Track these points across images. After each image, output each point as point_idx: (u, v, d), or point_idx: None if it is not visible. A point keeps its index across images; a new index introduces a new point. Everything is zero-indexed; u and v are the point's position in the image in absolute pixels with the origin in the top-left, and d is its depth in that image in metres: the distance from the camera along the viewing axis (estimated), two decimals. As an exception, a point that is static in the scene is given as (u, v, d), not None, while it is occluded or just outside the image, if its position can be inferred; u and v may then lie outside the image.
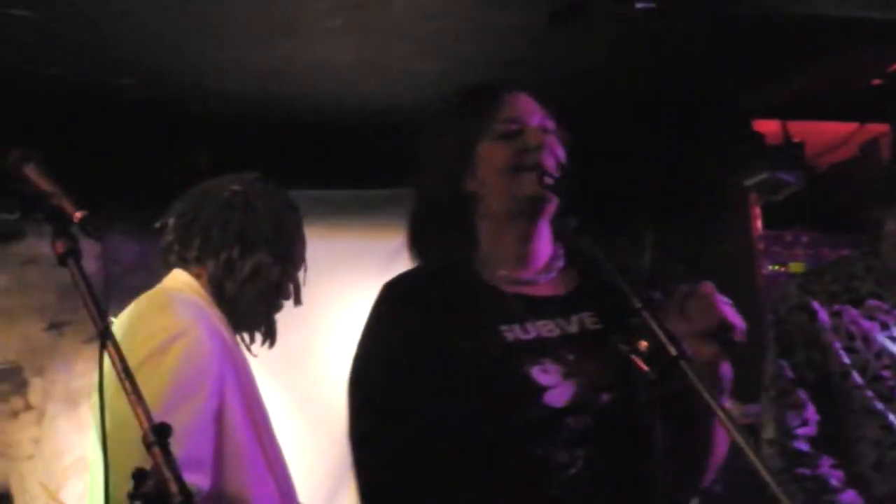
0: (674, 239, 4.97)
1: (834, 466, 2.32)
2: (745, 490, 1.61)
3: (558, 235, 1.83)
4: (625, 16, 3.65)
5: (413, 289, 1.78)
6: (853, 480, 2.31)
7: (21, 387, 4.55)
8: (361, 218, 4.88)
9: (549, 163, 1.74)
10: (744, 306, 1.65)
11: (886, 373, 2.30)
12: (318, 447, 4.47)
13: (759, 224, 4.73)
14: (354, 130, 4.53)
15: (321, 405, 4.60)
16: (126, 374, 1.29)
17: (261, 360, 2.22)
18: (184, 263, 2.15)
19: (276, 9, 3.56)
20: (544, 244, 1.81)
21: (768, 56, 4.17)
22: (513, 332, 1.68)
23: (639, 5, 3.55)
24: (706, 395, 1.43)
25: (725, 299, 1.61)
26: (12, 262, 4.57)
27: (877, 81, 4.42)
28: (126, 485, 1.21)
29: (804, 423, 2.35)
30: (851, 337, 2.33)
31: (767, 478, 1.32)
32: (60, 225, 1.39)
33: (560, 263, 1.81)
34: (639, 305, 1.52)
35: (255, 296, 2.15)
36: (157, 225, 2.21)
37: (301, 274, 2.27)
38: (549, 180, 1.72)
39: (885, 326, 2.34)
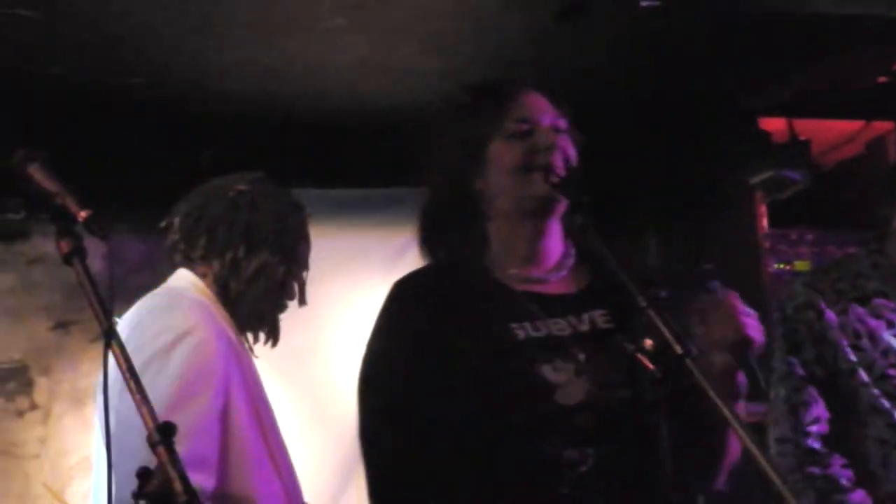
0: (678, 238, 4.97)
1: (845, 466, 2.31)
2: (752, 489, 1.61)
3: (569, 233, 1.83)
4: (629, 15, 3.65)
5: (423, 287, 1.79)
6: (860, 479, 2.31)
7: (27, 386, 4.56)
8: (365, 217, 4.89)
9: (560, 163, 1.74)
10: (749, 305, 1.65)
11: (893, 371, 2.30)
12: (323, 445, 4.47)
13: (764, 222, 4.72)
14: (357, 129, 4.52)
15: (326, 403, 4.60)
16: (131, 373, 1.29)
17: (266, 359, 2.22)
18: (189, 262, 2.15)
19: (277, 9, 3.56)
20: (555, 242, 1.80)
21: (771, 55, 4.16)
22: (524, 331, 1.68)
23: (644, 3, 3.54)
24: (712, 394, 1.43)
25: (750, 312, 1.61)
26: (18, 262, 4.58)
27: (882, 79, 4.41)
28: (130, 484, 1.21)
29: (816, 421, 2.34)
30: (858, 335, 2.33)
31: (774, 477, 1.31)
32: (65, 224, 1.39)
33: (571, 262, 1.81)
34: (644, 304, 1.52)
35: (259, 295, 2.15)
36: (163, 224, 2.21)
37: (305, 273, 2.27)
38: (555, 179, 1.72)
39: (891, 325, 2.34)
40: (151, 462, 1.22)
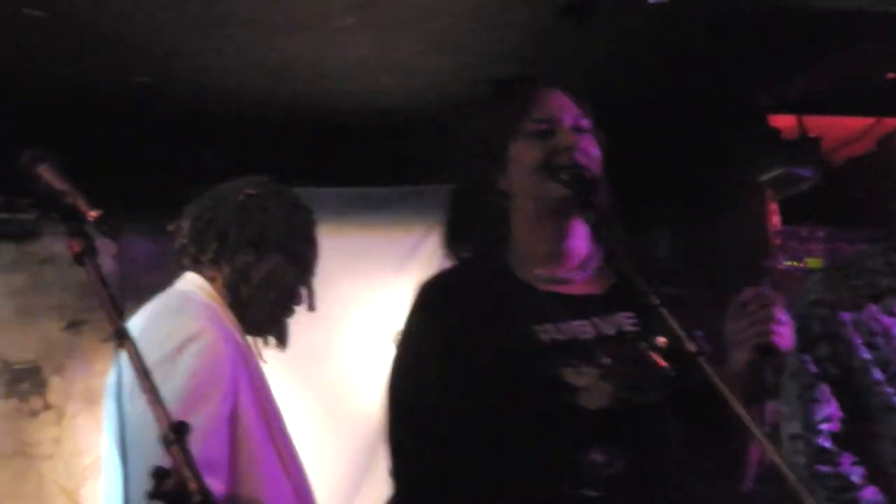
0: (689, 237, 4.96)
1: (855, 463, 2.31)
2: (767, 486, 1.60)
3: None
4: (636, 12, 3.64)
5: (447, 290, 1.79)
6: (873, 477, 2.30)
7: (40, 386, 4.57)
8: (375, 216, 4.89)
9: (582, 163, 1.73)
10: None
11: (907, 369, 2.29)
12: (336, 445, 4.48)
13: (775, 219, 4.71)
14: (364, 128, 4.53)
15: (339, 403, 4.61)
16: (144, 372, 1.29)
17: (277, 359, 2.22)
18: (197, 266, 2.14)
19: (286, 7, 3.56)
20: (580, 242, 1.79)
21: (780, 52, 4.15)
22: (547, 333, 1.68)
23: (651, 1, 3.53)
24: (724, 392, 1.43)
25: (787, 319, 1.60)
26: (30, 262, 4.59)
27: (892, 75, 4.39)
28: (143, 485, 1.21)
29: (827, 419, 2.33)
30: (872, 332, 2.32)
31: (788, 474, 1.31)
32: (75, 224, 1.40)
33: (596, 262, 1.80)
34: (657, 302, 1.52)
35: (269, 300, 2.15)
36: (171, 228, 2.20)
37: (313, 279, 2.26)
38: (565, 177, 1.71)
39: (905, 322, 2.33)
40: (165, 462, 1.22)
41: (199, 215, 2.17)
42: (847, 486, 2.28)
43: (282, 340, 2.23)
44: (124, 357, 1.31)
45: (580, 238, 1.79)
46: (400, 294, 4.56)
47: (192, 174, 2.40)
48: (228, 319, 2.08)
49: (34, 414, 4.55)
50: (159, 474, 1.20)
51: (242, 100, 4.31)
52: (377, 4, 3.58)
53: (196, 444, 1.57)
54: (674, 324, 1.50)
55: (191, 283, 2.12)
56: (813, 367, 2.36)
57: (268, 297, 2.14)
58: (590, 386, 1.63)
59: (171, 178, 3.35)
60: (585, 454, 1.60)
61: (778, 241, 4.70)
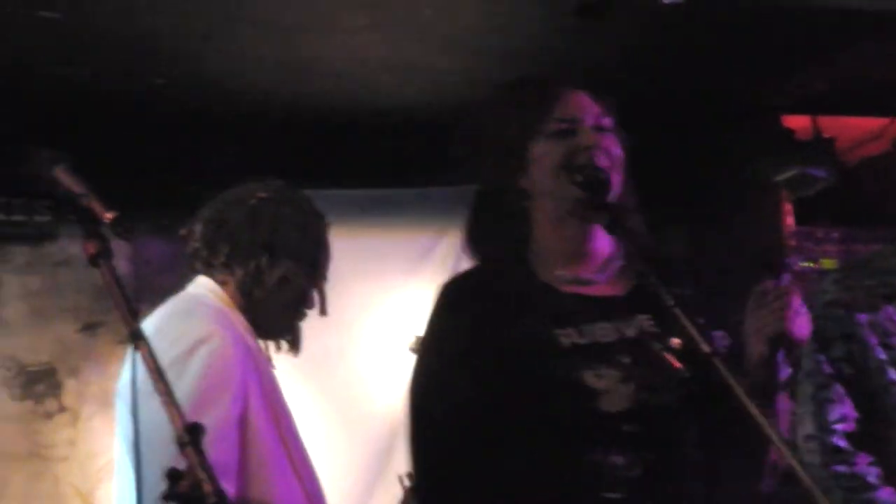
0: (704, 237, 4.94)
1: (871, 464, 2.30)
2: (784, 486, 1.60)
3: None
4: (650, 12, 3.63)
5: (469, 291, 1.78)
6: (889, 478, 2.29)
7: (55, 388, 4.59)
8: (388, 217, 4.88)
9: (604, 163, 1.72)
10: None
11: (922, 369, 2.28)
12: (349, 447, 4.47)
13: (790, 220, 4.69)
14: (378, 129, 4.52)
15: (351, 405, 4.61)
16: (158, 374, 1.29)
17: (290, 362, 2.22)
18: (209, 270, 2.13)
19: (299, 7, 3.56)
20: (602, 243, 1.78)
21: (794, 52, 4.13)
22: (569, 337, 1.68)
23: (665, 0, 3.52)
24: (739, 392, 1.42)
25: (803, 310, 1.60)
26: (45, 264, 4.61)
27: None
28: (158, 486, 1.21)
29: (842, 419, 2.32)
30: (887, 333, 2.31)
31: (803, 475, 1.30)
32: (91, 226, 1.40)
33: (618, 263, 1.79)
34: (671, 302, 1.51)
35: (282, 304, 2.15)
36: (183, 232, 2.20)
37: (324, 283, 2.25)
38: (578, 178, 1.70)
39: (921, 323, 2.32)
40: (179, 463, 1.22)
41: (210, 219, 2.16)
42: (863, 487, 2.27)
43: (294, 345, 2.23)
44: (137, 359, 1.31)
45: (602, 238, 1.77)
46: (412, 297, 4.61)
47: (208, 175, 2.39)
48: (240, 323, 2.08)
49: (49, 416, 4.57)
50: (174, 476, 1.20)
51: (261, 100, 4.31)
52: (395, 5, 3.57)
53: (205, 446, 1.58)
54: (688, 324, 1.50)
55: (202, 286, 2.12)
56: (828, 368, 2.35)
57: (280, 301, 2.14)
58: (610, 389, 1.63)
59: (186, 179, 3.35)
60: (606, 457, 1.60)
61: (793, 242, 4.69)
